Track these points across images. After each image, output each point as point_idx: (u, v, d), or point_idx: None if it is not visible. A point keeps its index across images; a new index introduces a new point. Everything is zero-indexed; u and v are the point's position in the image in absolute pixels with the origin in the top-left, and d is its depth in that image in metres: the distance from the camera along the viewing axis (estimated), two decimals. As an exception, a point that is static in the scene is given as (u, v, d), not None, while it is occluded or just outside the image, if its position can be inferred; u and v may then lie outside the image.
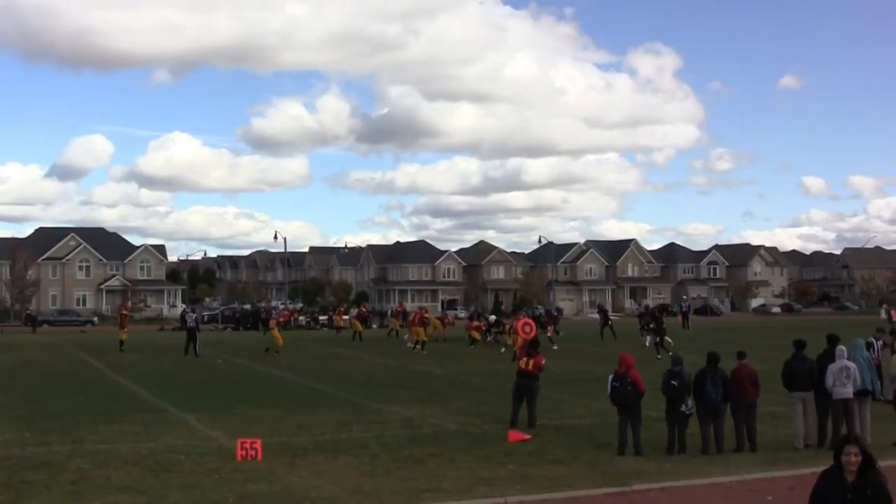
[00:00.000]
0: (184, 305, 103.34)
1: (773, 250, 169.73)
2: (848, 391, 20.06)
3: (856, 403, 20.56)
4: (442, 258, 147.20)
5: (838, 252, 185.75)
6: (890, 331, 27.73)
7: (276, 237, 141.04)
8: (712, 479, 16.94)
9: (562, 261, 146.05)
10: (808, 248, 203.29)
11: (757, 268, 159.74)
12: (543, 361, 24.36)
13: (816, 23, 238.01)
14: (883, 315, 70.11)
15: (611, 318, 62.06)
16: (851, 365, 20.37)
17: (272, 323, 56.10)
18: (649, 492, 16.08)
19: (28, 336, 76.68)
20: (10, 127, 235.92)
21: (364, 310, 73.82)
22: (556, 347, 50.08)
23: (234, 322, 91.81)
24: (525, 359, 23.82)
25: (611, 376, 20.34)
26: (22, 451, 20.26)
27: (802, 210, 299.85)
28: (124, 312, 58.38)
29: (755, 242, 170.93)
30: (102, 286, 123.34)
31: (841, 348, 20.54)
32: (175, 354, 48.35)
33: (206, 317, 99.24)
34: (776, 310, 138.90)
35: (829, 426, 20.48)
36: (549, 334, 54.39)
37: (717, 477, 17.18)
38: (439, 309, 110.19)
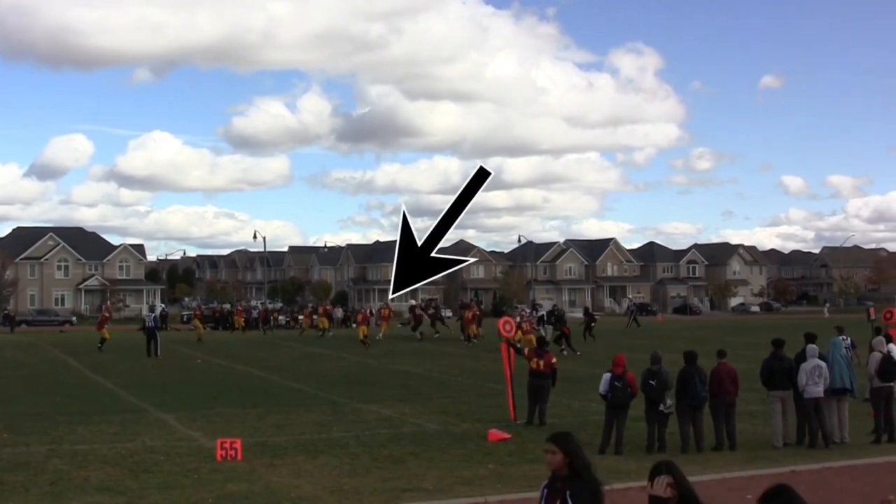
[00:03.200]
0: (162, 305, 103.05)
1: (752, 249, 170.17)
2: (819, 390, 20.15)
3: (834, 402, 20.67)
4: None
5: (817, 251, 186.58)
6: (874, 328, 27.82)
7: (255, 237, 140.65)
8: (692, 478, 16.79)
9: (541, 260, 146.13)
10: (787, 247, 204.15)
11: (736, 267, 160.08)
12: (554, 360, 24.46)
13: (797, 23, 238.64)
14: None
15: (595, 320, 60.99)
16: (823, 364, 20.46)
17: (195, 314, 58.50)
18: (629, 490, 16.11)
19: (6, 336, 76.32)
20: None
21: (328, 308, 74.80)
22: (565, 353, 45.64)
23: (213, 321, 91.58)
24: (535, 359, 23.89)
25: (608, 376, 20.32)
26: (0, 451, 20.18)
27: (782, 209, 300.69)
28: (105, 315, 58.49)
29: (734, 241, 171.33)
30: (81, 286, 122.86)
31: (812, 347, 20.63)
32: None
33: (185, 316, 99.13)
34: (755, 309, 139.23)
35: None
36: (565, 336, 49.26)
37: (696, 475, 17.18)
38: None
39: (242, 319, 79.58)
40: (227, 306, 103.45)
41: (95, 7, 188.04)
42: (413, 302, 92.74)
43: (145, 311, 58.11)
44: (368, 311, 67.41)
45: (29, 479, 17.23)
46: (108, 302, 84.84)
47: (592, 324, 58.27)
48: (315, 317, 72.66)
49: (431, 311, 70.17)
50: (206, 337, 63.94)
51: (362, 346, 53.19)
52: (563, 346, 46.71)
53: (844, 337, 29.57)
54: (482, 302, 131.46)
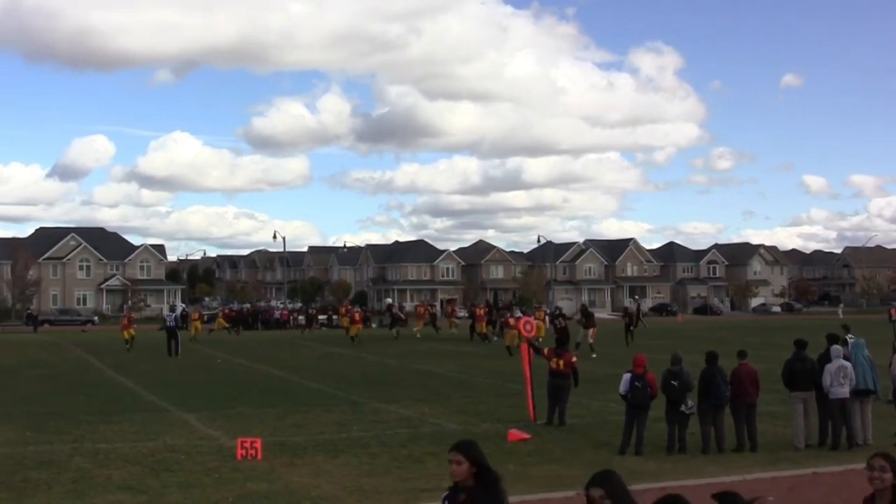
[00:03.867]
0: (183, 305, 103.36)
1: (773, 249, 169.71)
2: (845, 391, 20.05)
3: (857, 403, 20.57)
4: (441, 258, 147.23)
5: (839, 251, 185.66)
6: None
7: (275, 237, 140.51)
8: (713, 479, 16.91)
9: (561, 260, 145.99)
10: (809, 247, 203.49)
11: (757, 267, 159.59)
12: (574, 359, 24.47)
13: (817, 21, 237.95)
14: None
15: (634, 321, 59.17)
16: (848, 365, 20.37)
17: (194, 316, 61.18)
18: (648, 492, 16.06)
19: (29, 335, 76.73)
20: (12, 127, 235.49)
21: (349, 308, 75.15)
22: (594, 356, 44.11)
23: (232, 322, 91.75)
24: (555, 359, 23.87)
25: (629, 376, 20.26)
26: (23, 450, 20.30)
27: (803, 209, 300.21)
28: (132, 315, 59.20)
29: (755, 241, 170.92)
30: (102, 286, 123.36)
31: (836, 348, 20.52)
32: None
33: (206, 316, 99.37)
34: (776, 309, 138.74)
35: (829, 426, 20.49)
36: (590, 339, 47.62)
37: (717, 477, 17.16)
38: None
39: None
40: (248, 305, 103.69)
41: (116, 9, 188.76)
42: (389, 301, 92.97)
43: (166, 311, 58.35)
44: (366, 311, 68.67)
45: (52, 476, 17.32)
46: (130, 303, 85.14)
47: (633, 327, 57.63)
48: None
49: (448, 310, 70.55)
50: (227, 337, 64.04)
51: (354, 343, 55.01)
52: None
53: (851, 336, 29.59)
54: (500, 302, 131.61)
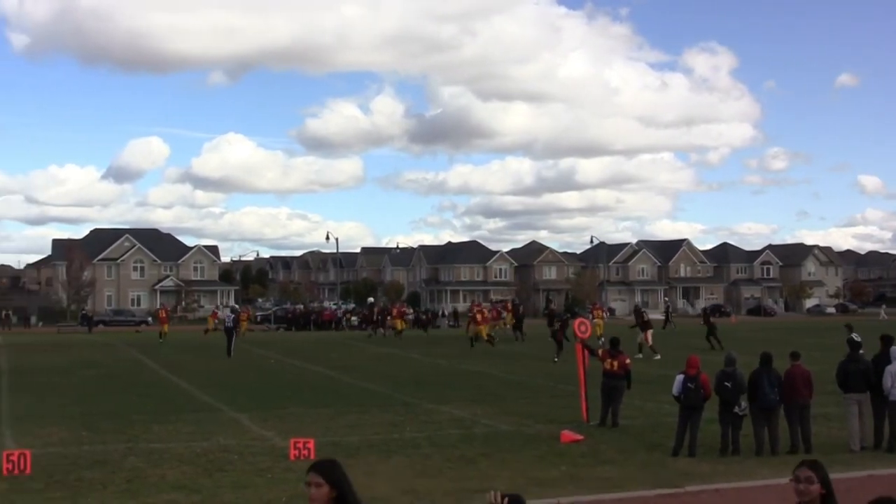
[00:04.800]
0: (237, 306, 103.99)
1: (827, 250, 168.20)
2: (905, 393, 19.84)
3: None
4: (493, 258, 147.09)
5: (894, 251, 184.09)
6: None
7: (328, 238, 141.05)
8: (766, 481, 16.79)
9: (613, 261, 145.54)
10: (864, 247, 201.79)
11: (811, 268, 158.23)
12: (628, 361, 24.43)
13: (872, 21, 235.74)
14: None
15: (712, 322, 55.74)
16: (908, 366, 20.14)
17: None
18: (702, 493, 15.99)
19: (84, 336, 77.43)
20: (68, 129, 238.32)
21: (402, 309, 75.27)
22: (658, 357, 43.66)
23: (286, 322, 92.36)
24: (609, 360, 23.86)
25: (682, 377, 20.18)
26: (78, 449, 20.48)
27: (858, 209, 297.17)
28: (169, 311, 60.44)
29: (809, 242, 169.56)
30: (156, 286, 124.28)
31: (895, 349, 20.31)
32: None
33: (259, 317, 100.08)
34: (831, 310, 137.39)
35: (885, 428, 20.26)
36: (648, 342, 46.64)
37: (770, 479, 17.02)
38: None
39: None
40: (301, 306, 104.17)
41: (170, 11, 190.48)
42: (371, 300, 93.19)
43: (225, 312, 58.83)
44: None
45: (106, 476, 17.46)
46: (166, 304, 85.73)
47: (664, 327, 57.11)
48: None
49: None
50: (279, 337, 64.29)
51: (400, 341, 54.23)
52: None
53: (855, 335, 29.27)
54: (552, 301, 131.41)
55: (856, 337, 22.87)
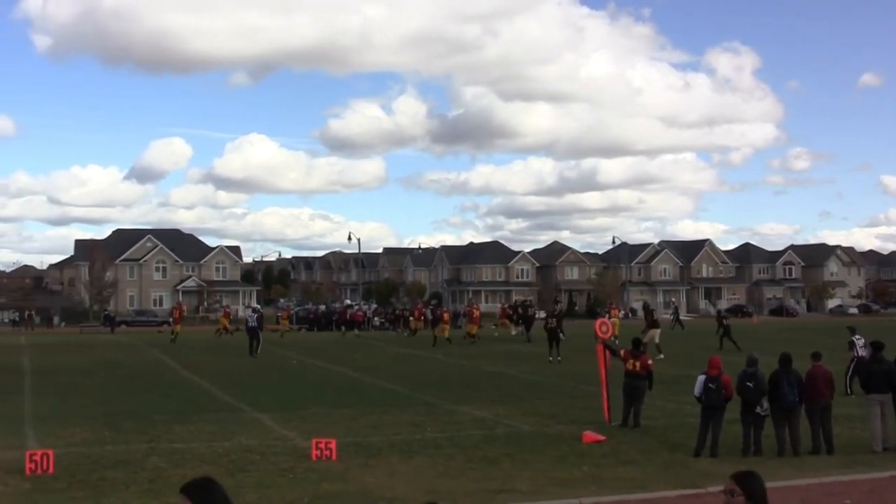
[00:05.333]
0: (258, 306, 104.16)
1: (850, 250, 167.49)
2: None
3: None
4: (515, 259, 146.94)
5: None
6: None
7: (350, 238, 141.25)
8: (788, 482, 16.75)
9: (636, 261, 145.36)
10: (887, 247, 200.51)
11: (833, 268, 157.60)
12: (650, 361, 24.44)
13: (895, 21, 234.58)
14: None
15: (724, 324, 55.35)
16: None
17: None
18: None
19: (106, 336, 77.70)
20: (91, 130, 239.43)
21: (422, 309, 75.32)
22: (661, 356, 43.19)
23: (308, 322, 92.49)
24: (631, 360, 23.87)
25: (703, 377, 20.16)
26: (101, 449, 20.57)
27: (881, 209, 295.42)
28: (183, 311, 61.00)
29: (832, 242, 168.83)
30: (178, 287, 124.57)
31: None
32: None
33: (278, 318, 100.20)
34: (853, 310, 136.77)
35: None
36: (655, 340, 45.79)
37: (793, 479, 17.00)
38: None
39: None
40: (323, 307, 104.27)
41: (193, 11, 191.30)
42: (348, 301, 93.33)
43: (248, 312, 59.04)
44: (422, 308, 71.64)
45: (129, 476, 17.53)
46: (180, 304, 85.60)
47: (671, 328, 56.89)
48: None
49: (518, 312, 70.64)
50: (301, 338, 64.44)
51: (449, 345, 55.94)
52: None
53: (859, 336, 29.47)
54: (576, 303, 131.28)
55: (857, 339, 22.90)
